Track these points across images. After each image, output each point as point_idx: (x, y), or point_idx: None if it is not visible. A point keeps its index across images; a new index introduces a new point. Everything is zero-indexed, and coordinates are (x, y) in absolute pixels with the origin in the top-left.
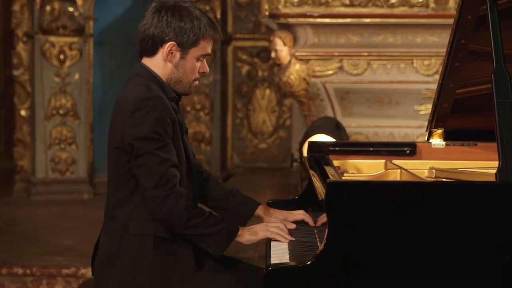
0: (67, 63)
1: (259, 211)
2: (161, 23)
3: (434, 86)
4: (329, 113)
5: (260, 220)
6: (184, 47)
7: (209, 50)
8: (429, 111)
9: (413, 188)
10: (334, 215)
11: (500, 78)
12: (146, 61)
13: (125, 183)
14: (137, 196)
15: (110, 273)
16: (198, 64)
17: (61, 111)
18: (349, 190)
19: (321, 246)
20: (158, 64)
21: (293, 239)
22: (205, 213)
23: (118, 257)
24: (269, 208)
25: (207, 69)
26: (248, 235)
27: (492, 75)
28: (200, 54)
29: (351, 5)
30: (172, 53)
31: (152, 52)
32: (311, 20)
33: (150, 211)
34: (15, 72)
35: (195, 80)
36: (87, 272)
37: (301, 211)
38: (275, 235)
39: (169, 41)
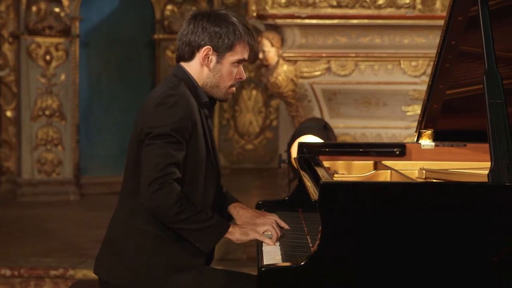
0: (53, 63)
1: (231, 209)
2: (197, 28)
3: (422, 87)
4: (317, 114)
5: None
6: (219, 51)
7: (246, 56)
8: (416, 112)
9: (407, 189)
10: (328, 216)
11: (491, 79)
12: (184, 65)
13: (139, 175)
14: None
15: (109, 260)
16: (235, 70)
17: (47, 112)
18: (342, 191)
19: (314, 247)
20: (195, 68)
21: (277, 244)
22: (195, 208)
23: (119, 247)
24: (240, 208)
25: (244, 75)
26: (239, 234)
27: (484, 76)
28: (236, 59)
29: (338, 6)
30: (208, 57)
31: (189, 58)
32: (298, 21)
33: (142, 202)
34: (1, 73)
35: (231, 86)
36: (76, 273)
37: (274, 216)
38: (263, 238)
39: (204, 46)
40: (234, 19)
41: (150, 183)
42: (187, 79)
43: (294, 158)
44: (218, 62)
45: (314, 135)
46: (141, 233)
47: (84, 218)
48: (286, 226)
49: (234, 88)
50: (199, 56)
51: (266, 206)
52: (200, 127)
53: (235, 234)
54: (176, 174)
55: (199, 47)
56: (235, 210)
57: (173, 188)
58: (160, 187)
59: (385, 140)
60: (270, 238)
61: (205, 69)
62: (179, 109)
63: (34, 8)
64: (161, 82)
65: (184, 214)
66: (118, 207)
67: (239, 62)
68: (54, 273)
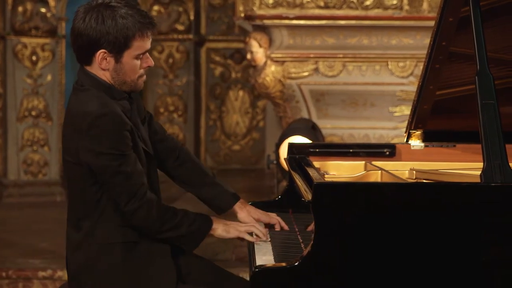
0: (40, 64)
1: (237, 207)
2: (87, 30)
3: (409, 88)
4: (305, 115)
5: (234, 213)
6: (115, 52)
7: (148, 46)
8: (404, 112)
9: (401, 189)
10: (321, 216)
11: (484, 80)
12: (88, 68)
13: (87, 195)
14: (101, 206)
15: (84, 282)
16: (138, 62)
17: (33, 113)
18: (336, 191)
19: (308, 247)
20: (99, 71)
21: (265, 239)
22: (177, 215)
23: (90, 267)
24: (246, 205)
25: (151, 63)
26: (221, 230)
27: (476, 77)
28: (137, 53)
29: (326, 7)
30: (105, 59)
31: (88, 61)
32: (286, 21)
33: (126, 222)
34: None
35: (140, 77)
36: (64, 274)
37: (276, 217)
38: (244, 235)
39: (98, 49)
40: (124, 10)
41: (126, 207)
42: (98, 84)
43: (285, 159)
44: (117, 62)
45: (303, 135)
46: (107, 247)
47: None
48: (286, 227)
49: (144, 77)
50: (96, 60)
51: (256, 207)
52: (134, 134)
53: (217, 230)
54: (144, 185)
55: (93, 51)
56: (242, 206)
57: (150, 204)
58: (138, 206)
59: (373, 140)
60: (252, 237)
61: (106, 71)
62: (113, 127)
63: (20, 9)
64: (76, 94)
65: (168, 224)
66: (71, 231)
67: (142, 54)
68: (43, 274)
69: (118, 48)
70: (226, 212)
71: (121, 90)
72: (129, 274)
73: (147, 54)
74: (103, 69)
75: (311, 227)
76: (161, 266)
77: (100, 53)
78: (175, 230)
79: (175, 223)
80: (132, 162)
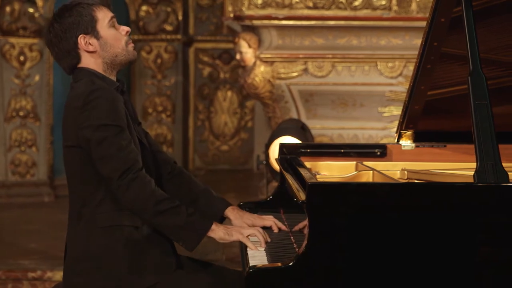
0: (27, 64)
1: (228, 212)
2: (57, 34)
3: (398, 88)
4: (294, 115)
5: (229, 222)
6: (90, 31)
7: (110, 13)
8: (393, 113)
9: (395, 190)
10: (315, 216)
11: (476, 80)
12: (80, 66)
13: (87, 180)
14: (101, 190)
15: (81, 270)
16: (114, 30)
17: (21, 113)
18: (330, 191)
19: (302, 247)
20: (90, 61)
21: (262, 248)
22: (175, 201)
23: (88, 253)
24: (239, 210)
25: (127, 28)
26: (222, 232)
27: (469, 78)
28: (106, 23)
29: (315, 7)
30: (88, 42)
31: (77, 61)
32: (275, 22)
33: (118, 201)
34: None
35: (127, 44)
36: (54, 275)
37: (271, 217)
38: (246, 241)
39: (77, 39)
40: (69, 2)
41: (119, 181)
42: (92, 74)
43: (276, 159)
44: (98, 38)
45: (292, 136)
46: (107, 231)
47: (60, 219)
48: (284, 228)
49: (132, 43)
50: (82, 50)
51: (247, 207)
52: (128, 116)
53: (218, 232)
54: (139, 162)
55: (75, 45)
56: (234, 211)
57: (146, 179)
58: (131, 179)
59: (362, 141)
60: (254, 243)
61: (95, 54)
62: (105, 99)
63: (8, 9)
64: (71, 87)
65: (163, 205)
66: (72, 220)
67: (111, 22)
68: (32, 275)
69: (90, 26)
70: (219, 218)
71: (118, 67)
72: (127, 259)
73: (115, 22)
74: (92, 52)
75: (302, 224)
76: (159, 253)
77: (80, 39)
78: (172, 217)
79: (172, 207)
80: (127, 138)
